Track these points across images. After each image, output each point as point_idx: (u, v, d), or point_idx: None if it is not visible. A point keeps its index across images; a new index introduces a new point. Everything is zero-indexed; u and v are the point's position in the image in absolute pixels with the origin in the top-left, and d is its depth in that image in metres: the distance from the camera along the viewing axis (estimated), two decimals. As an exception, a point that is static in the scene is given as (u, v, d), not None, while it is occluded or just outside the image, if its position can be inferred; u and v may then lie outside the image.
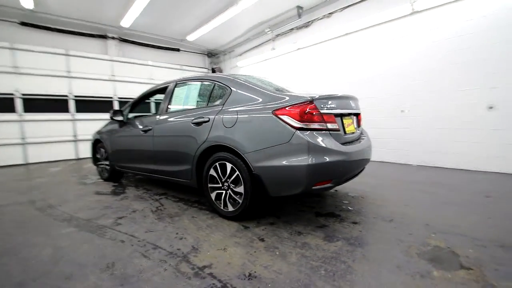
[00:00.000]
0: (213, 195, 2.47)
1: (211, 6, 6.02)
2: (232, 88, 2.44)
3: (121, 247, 1.91)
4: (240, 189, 2.22)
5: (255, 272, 1.57)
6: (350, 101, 2.45)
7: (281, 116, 2.00)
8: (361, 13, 5.39)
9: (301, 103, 2.00)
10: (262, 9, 6.16)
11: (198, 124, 2.53)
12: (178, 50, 8.88)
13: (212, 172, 2.43)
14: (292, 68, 7.05)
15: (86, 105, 7.09)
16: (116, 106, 7.55)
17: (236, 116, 2.24)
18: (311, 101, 2.01)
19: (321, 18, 6.17)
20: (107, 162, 4.01)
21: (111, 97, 7.49)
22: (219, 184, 2.40)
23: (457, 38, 4.15)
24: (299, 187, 1.96)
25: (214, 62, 9.96)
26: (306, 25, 6.49)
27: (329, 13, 5.97)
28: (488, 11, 3.86)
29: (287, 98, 2.12)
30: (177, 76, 8.60)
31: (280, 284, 1.45)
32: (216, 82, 2.63)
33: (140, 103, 3.76)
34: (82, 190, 3.67)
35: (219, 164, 2.36)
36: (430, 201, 2.77)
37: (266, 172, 2.03)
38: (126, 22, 6.49)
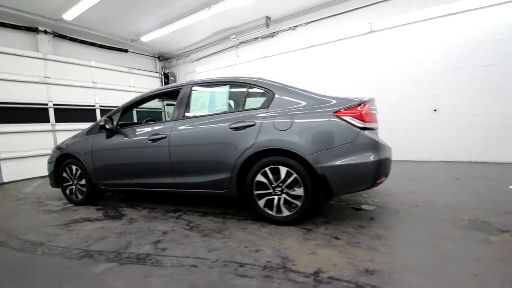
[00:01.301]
0: (261, 202, 2.36)
1: (178, 8, 5.68)
2: (274, 91, 2.42)
3: (202, 272, 1.65)
4: (299, 191, 2.20)
5: (368, 267, 1.61)
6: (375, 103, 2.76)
7: (344, 117, 2.11)
8: (323, 29, 6.02)
9: (358, 104, 2.17)
10: (231, 16, 6.16)
11: (238, 129, 2.39)
12: (126, 51, 7.92)
13: (260, 178, 2.33)
14: (258, 75, 7.24)
15: (11, 114, 5.57)
16: (51, 115, 6.18)
17: (291, 119, 2.24)
18: (364, 103, 2.20)
19: (286, 30, 6.59)
20: (82, 182, 3.28)
21: (45, 104, 6.08)
22: (268, 190, 2.32)
23: (409, 55, 5.13)
24: (366, 183, 2.11)
25: (167, 66, 9.28)
26: (272, 35, 6.82)
27: (294, 26, 6.45)
28: (446, 41, 4.93)
29: (335, 101, 2.24)
30: (124, 80, 7.71)
31: (400, 271, 1.54)
32: (251, 85, 2.54)
33: (130, 110, 3.25)
34: (59, 218, 2.90)
35: (269, 169, 2.29)
36: (424, 187, 3.33)
37: (333, 171, 2.10)
38: (71, 14, 5.44)
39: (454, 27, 4.66)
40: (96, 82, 7.07)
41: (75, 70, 6.63)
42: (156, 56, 8.98)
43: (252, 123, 2.34)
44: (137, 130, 3.00)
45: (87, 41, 6.96)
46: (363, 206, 2.73)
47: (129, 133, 2.99)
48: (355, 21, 5.56)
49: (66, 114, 6.43)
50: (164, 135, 2.70)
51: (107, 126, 2.95)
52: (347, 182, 2.13)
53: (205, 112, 2.69)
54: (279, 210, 2.31)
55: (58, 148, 3.55)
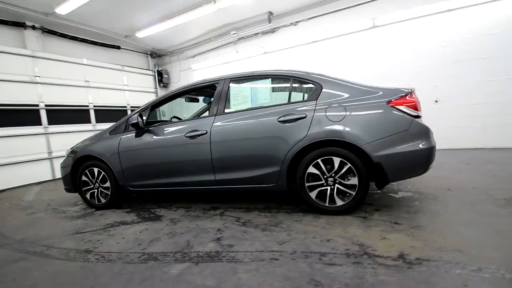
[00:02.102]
0: (313, 194, 2.38)
1: (181, 1, 5.49)
2: (322, 84, 2.43)
3: (288, 264, 1.63)
4: (353, 181, 2.25)
5: (445, 246, 1.68)
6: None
7: (398, 107, 2.18)
8: (325, 24, 6.13)
9: (407, 94, 2.25)
10: (233, 11, 6.07)
11: (288, 121, 2.38)
12: (118, 48, 7.54)
13: (311, 170, 2.34)
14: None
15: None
16: (43, 116, 5.74)
17: (344, 110, 2.27)
18: (412, 92, 2.29)
19: (288, 26, 6.62)
20: (106, 185, 3.10)
21: (36, 105, 5.64)
22: (321, 181, 2.34)
23: (410, 49, 5.37)
24: (422, 169, 2.20)
25: (159, 63, 8.95)
26: (273, 30, 6.82)
27: (296, 22, 6.49)
28: (443, 35, 5.19)
29: (381, 92, 2.32)
30: (118, 78, 7.37)
31: (476, 247, 1.63)
32: (296, 78, 2.54)
33: (159, 107, 3.11)
34: (89, 223, 2.73)
35: (322, 160, 2.31)
36: (443, 172, 3.52)
37: (389, 159, 2.16)
38: (66, 8, 5.07)
39: (453, 23, 4.95)
40: (89, 81, 6.66)
41: (67, 68, 6.20)
42: (149, 53, 8.63)
43: (303, 115, 2.34)
44: (169, 127, 2.89)
45: (78, 37, 6.53)
46: (400, 193, 2.84)
47: (160, 131, 2.88)
48: (358, 16, 5.71)
49: (59, 115, 6.00)
50: (204, 131, 2.62)
51: (136, 124, 2.80)
52: (403, 169, 2.21)
53: (248, 106, 2.64)
54: (331, 201, 2.34)
55: (73, 151, 3.31)
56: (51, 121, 5.85)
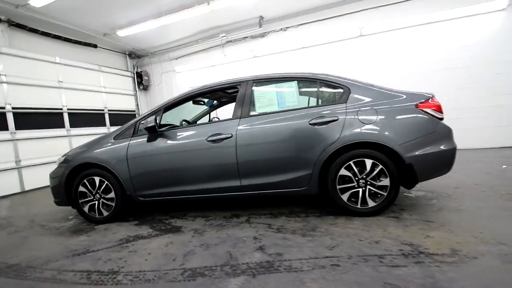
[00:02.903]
0: (344, 196, 2.38)
1: (171, 1, 5.25)
2: (350, 87, 2.47)
3: (353, 269, 1.59)
4: (385, 182, 2.30)
5: (488, 241, 1.78)
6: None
7: (426, 110, 2.29)
8: (314, 31, 6.32)
9: (430, 98, 2.38)
10: (224, 13, 5.97)
11: (319, 124, 2.37)
12: (95, 46, 6.94)
13: (343, 172, 2.36)
14: (247, 74, 7.17)
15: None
16: (10, 121, 5.03)
17: (376, 113, 2.32)
18: (433, 96, 2.43)
19: (277, 31, 6.70)
20: (110, 195, 2.79)
21: (1, 107, 4.92)
22: (352, 183, 2.36)
23: (396, 57, 5.75)
24: (447, 168, 2.34)
25: (139, 65, 8.44)
26: (262, 35, 6.84)
27: (286, 27, 6.60)
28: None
29: (404, 95, 2.43)
30: (94, 79, 6.81)
31: (518, 241, 1.76)
32: (323, 81, 2.54)
33: (171, 109, 2.90)
34: (96, 240, 2.42)
35: (354, 162, 2.33)
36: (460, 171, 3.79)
37: (419, 160, 2.25)
38: (41, 0, 4.52)
39: (435, 34, 5.43)
40: (62, 81, 6.02)
41: (37, 67, 5.53)
42: (127, 53, 8.10)
43: (335, 118, 2.35)
44: (184, 131, 2.72)
45: (51, 34, 5.88)
46: (413, 193, 2.98)
47: (176, 135, 2.68)
48: (346, 25, 5.99)
49: (28, 119, 5.31)
50: (229, 135, 2.50)
51: (152, 127, 2.57)
52: (432, 169, 2.33)
53: (274, 108, 2.58)
54: (363, 202, 2.37)
55: (66, 159, 2.94)
56: (19, 126, 5.16)
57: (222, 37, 6.90)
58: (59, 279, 1.82)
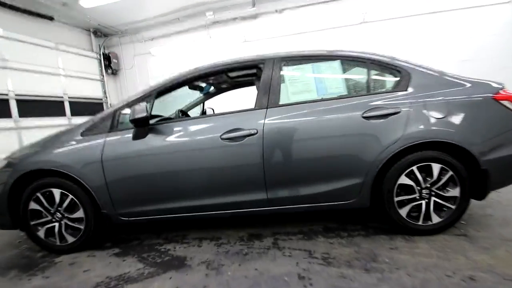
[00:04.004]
0: (403, 211, 1.86)
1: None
2: (409, 71, 1.92)
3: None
4: (454, 192, 1.82)
5: None
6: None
7: (503, 102, 1.82)
8: (313, 15, 5.74)
9: (502, 88, 1.92)
10: (213, -13, 5.14)
11: (376, 118, 1.79)
12: (51, 19, 5.65)
13: (403, 180, 1.82)
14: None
15: None
16: None
17: (446, 104, 1.80)
18: (504, 86, 1.97)
19: (272, 13, 5.99)
20: (77, 214, 1.98)
21: None
22: (413, 194, 1.84)
23: (400, 44, 5.40)
24: (527, 174, 1.90)
25: (106, 45, 7.20)
26: (254, 16, 6.09)
27: (282, 9, 5.92)
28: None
29: (469, 84, 1.94)
30: (50, 59, 5.62)
31: None
32: (375, 63, 1.96)
33: (167, 93, 2.14)
34: (59, 284, 1.61)
35: (417, 167, 1.81)
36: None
37: (495, 164, 1.78)
38: None
39: (442, 24, 5.14)
40: (7, 60, 4.75)
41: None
42: (92, 31, 6.82)
43: (397, 110, 1.79)
44: (187, 125, 1.99)
45: (-12, -4, 4.56)
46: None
47: (175, 131, 1.94)
48: (349, 10, 5.50)
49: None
50: (254, 130, 1.82)
51: (144, 119, 1.79)
52: (509, 175, 1.88)
53: (313, 96, 1.94)
54: (427, 218, 1.86)
55: (10, 164, 2.05)
56: None
57: (209, 15, 6.00)
58: None
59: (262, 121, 1.84)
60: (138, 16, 6.24)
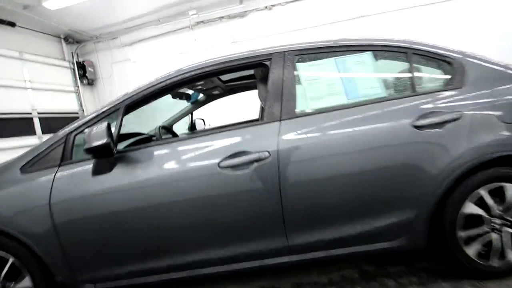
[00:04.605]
0: (471, 249, 1.38)
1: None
2: (463, 63, 1.45)
3: None
4: (532, 221, 1.36)
5: None
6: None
7: None
8: (306, 11, 5.32)
9: None
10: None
11: (431, 126, 1.31)
12: (13, 25, 4.96)
13: (469, 208, 1.35)
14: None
15: None
16: None
17: (516, 103, 1.34)
18: None
19: (261, 10, 5.52)
20: (23, 284, 1.39)
21: None
22: (482, 225, 1.37)
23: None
24: None
25: (80, 52, 6.53)
26: (242, 15, 5.61)
27: (271, 5, 5.46)
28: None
29: None
30: (14, 69, 4.97)
31: None
32: (419, 53, 1.47)
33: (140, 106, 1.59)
34: None
35: (487, 190, 1.34)
36: None
37: None
38: None
39: (442, 15, 4.81)
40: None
41: None
42: (62, 37, 6.15)
43: (457, 115, 1.31)
44: (170, 148, 1.45)
45: None
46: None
47: (153, 158, 1.39)
48: (345, 3, 5.10)
49: None
50: (265, 153, 1.29)
51: (104, 147, 1.24)
52: None
53: (341, 100, 1.42)
54: (501, 255, 1.39)
55: None
56: None
57: (192, 15, 5.47)
58: None
59: (276, 139, 1.32)
60: (113, 19, 5.64)
